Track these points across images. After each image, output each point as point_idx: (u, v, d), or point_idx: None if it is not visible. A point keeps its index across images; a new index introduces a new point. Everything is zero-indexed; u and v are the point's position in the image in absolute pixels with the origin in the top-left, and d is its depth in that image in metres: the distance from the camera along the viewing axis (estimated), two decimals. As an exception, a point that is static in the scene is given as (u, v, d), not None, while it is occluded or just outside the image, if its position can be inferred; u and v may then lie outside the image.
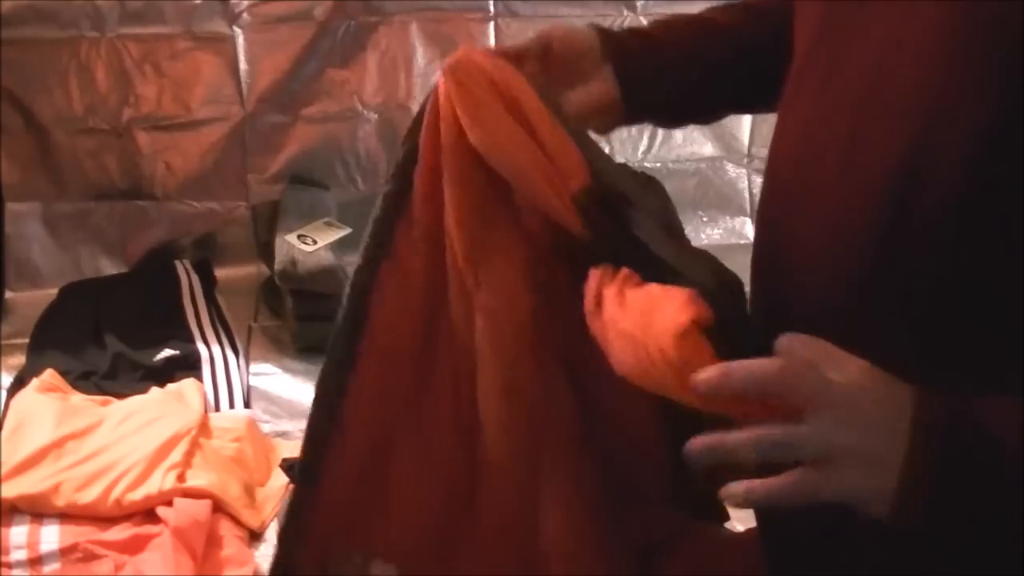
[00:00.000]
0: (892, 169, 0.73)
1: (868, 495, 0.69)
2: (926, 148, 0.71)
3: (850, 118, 0.77)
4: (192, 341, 2.14)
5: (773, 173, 0.89)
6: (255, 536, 1.73)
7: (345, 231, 2.26)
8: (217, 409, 1.98)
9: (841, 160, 0.77)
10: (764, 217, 0.91)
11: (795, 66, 0.86)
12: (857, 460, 0.68)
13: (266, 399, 2.06)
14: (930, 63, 0.70)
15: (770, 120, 0.92)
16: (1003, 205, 0.68)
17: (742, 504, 0.73)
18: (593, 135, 0.97)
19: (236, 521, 1.72)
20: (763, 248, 0.90)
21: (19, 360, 2.11)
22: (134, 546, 1.65)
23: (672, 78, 1.00)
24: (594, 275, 0.83)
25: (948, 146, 0.69)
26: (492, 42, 2.41)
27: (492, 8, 2.40)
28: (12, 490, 1.68)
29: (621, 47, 0.98)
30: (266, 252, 2.37)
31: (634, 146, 2.59)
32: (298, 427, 1.99)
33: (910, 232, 0.73)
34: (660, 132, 2.60)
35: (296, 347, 2.19)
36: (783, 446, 0.69)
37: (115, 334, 2.12)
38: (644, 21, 2.44)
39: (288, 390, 2.09)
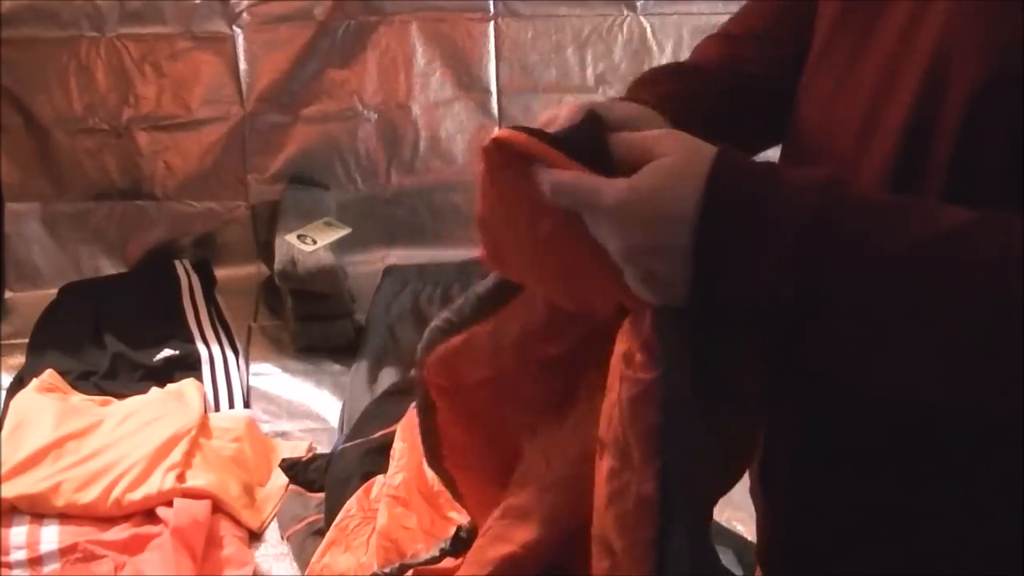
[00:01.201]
0: (897, 133, 0.75)
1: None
2: (929, 108, 0.73)
3: (874, 86, 0.78)
4: (192, 341, 2.14)
5: (790, 153, 0.90)
6: (255, 536, 1.73)
7: (345, 231, 2.26)
8: (217, 409, 1.98)
9: (862, 126, 0.79)
10: None
11: (816, 49, 0.87)
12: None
13: (266, 399, 2.06)
14: (946, 25, 0.73)
15: (770, 120, 0.92)
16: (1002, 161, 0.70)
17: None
18: None
19: (236, 521, 1.72)
20: None
21: (19, 360, 2.11)
22: (134, 546, 1.65)
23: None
24: None
25: (952, 99, 0.72)
26: (492, 42, 2.41)
27: (492, 8, 2.40)
28: (12, 490, 1.68)
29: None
30: (266, 252, 2.37)
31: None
32: (298, 427, 2.00)
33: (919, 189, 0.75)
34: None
35: (296, 347, 2.19)
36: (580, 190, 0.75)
37: (115, 334, 2.12)
38: (644, 21, 2.44)
39: (288, 390, 2.09)
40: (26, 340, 2.15)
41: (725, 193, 0.71)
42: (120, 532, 1.67)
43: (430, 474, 1.62)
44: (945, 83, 0.72)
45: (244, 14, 2.30)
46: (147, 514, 1.69)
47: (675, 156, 0.73)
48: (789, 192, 0.70)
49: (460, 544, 1.17)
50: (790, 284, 0.69)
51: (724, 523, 1.65)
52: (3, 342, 2.19)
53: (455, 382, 1.01)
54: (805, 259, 0.69)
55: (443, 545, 1.19)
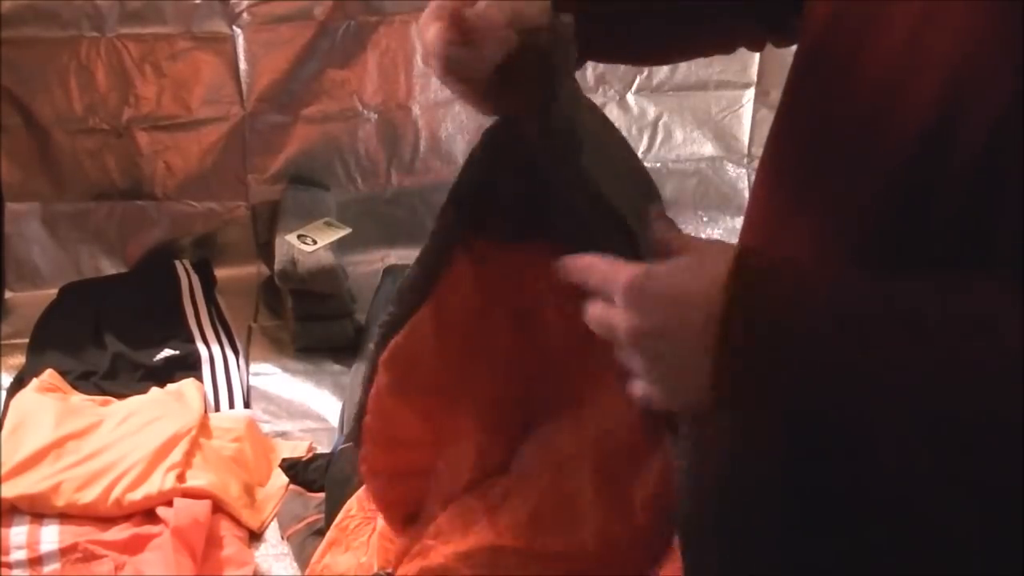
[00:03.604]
0: (913, 141, 0.74)
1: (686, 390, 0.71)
2: (951, 118, 0.71)
3: (875, 98, 0.77)
4: (192, 341, 2.14)
5: (776, 157, 0.89)
6: (255, 536, 1.73)
7: (345, 231, 2.26)
8: (217, 409, 1.98)
9: (861, 139, 0.77)
10: (760, 200, 0.92)
11: (805, 47, 0.86)
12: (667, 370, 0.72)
13: (266, 399, 2.06)
14: (965, 29, 0.71)
15: (770, 120, 0.92)
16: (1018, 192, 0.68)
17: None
18: None
19: (236, 521, 1.72)
20: (754, 233, 0.91)
21: (19, 360, 2.11)
22: (134, 546, 1.65)
23: None
24: None
25: (973, 118, 0.70)
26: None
27: (492, 8, 2.40)
28: (12, 490, 1.68)
29: None
30: (266, 252, 2.37)
31: (634, 146, 2.58)
32: (298, 427, 2.00)
33: (925, 211, 0.73)
34: (660, 132, 2.60)
35: (296, 347, 2.19)
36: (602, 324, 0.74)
37: (115, 334, 2.12)
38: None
39: (288, 390, 2.09)
40: (26, 340, 2.15)
41: (749, 289, 0.69)
42: (120, 532, 1.67)
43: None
44: (966, 93, 0.70)
45: (244, 14, 2.30)
46: (147, 514, 1.69)
47: (698, 254, 0.73)
48: (810, 295, 0.70)
49: None
50: (820, 384, 0.69)
51: None
52: (3, 342, 2.19)
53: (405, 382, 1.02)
54: (835, 365, 0.68)
55: None
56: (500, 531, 0.98)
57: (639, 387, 0.74)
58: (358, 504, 1.64)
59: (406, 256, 2.45)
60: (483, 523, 1.00)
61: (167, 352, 2.09)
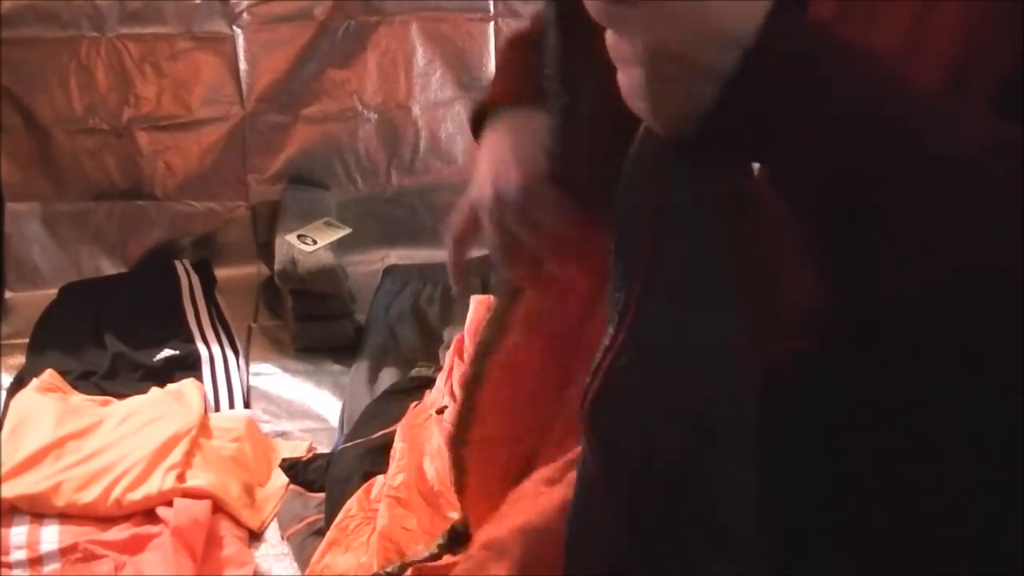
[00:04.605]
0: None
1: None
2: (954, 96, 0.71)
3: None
4: (192, 341, 2.14)
5: None
6: (255, 536, 1.73)
7: (345, 231, 2.26)
8: (217, 409, 1.98)
9: None
10: None
11: None
12: None
13: (266, 399, 2.06)
14: (965, 11, 0.71)
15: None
16: None
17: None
18: None
19: (236, 521, 1.72)
20: None
21: (19, 360, 2.11)
22: (134, 546, 1.65)
23: None
24: None
25: (973, 94, 0.70)
26: (492, 42, 2.41)
27: (492, 8, 2.40)
28: (12, 490, 1.68)
29: None
30: (266, 252, 2.37)
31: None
32: (298, 427, 2.00)
33: None
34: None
35: (296, 347, 2.19)
36: None
37: (115, 334, 2.12)
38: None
39: (288, 390, 2.09)
40: (26, 340, 2.15)
41: (792, 30, 0.64)
42: (120, 532, 1.67)
43: (430, 474, 1.62)
44: (968, 75, 0.70)
45: (244, 14, 2.30)
46: (147, 514, 1.70)
47: None
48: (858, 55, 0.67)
49: (457, 539, 1.17)
50: (855, 144, 0.63)
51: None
52: (3, 342, 2.19)
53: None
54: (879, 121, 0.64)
55: (440, 541, 1.20)
56: (543, 515, 0.98)
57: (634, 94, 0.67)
58: (358, 504, 1.65)
59: (406, 256, 2.45)
60: (530, 502, 1.00)
61: (167, 352, 2.09)
